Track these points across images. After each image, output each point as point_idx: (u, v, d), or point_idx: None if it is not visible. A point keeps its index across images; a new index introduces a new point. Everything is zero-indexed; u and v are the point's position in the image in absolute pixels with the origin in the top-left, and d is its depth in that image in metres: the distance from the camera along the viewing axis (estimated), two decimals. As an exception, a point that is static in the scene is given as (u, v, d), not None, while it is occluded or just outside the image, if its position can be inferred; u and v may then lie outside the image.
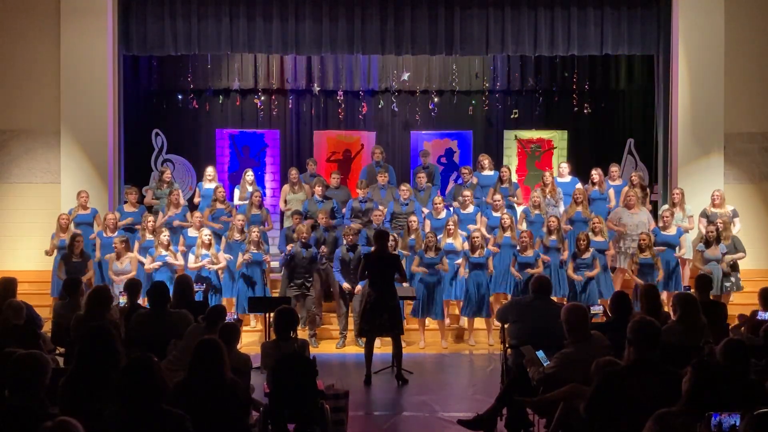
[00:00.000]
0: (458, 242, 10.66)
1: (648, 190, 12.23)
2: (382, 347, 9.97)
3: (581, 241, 10.35)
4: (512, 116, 14.57)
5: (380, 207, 11.31)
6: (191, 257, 10.54)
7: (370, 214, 11.16)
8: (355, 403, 7.09)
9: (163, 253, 10.56)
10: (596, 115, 14.42)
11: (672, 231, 10.92)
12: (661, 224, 11.02)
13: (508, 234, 10.82)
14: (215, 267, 10.51)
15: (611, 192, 11.85)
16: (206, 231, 10.68)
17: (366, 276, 8.98)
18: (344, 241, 10.63)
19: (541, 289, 6.93)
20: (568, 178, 12.15)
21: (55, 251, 10.91)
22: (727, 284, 10.68)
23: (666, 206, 11.63)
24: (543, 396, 5.45)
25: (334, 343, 10.64)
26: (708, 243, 10.66)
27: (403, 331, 9.01)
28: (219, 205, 11.47)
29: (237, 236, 10.76)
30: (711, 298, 8.66)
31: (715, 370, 3.99)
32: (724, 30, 12.37)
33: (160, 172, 12.50)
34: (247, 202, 11.58)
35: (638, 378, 4.43)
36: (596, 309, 7.91)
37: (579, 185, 11.76)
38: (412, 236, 10.83)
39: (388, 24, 12.45)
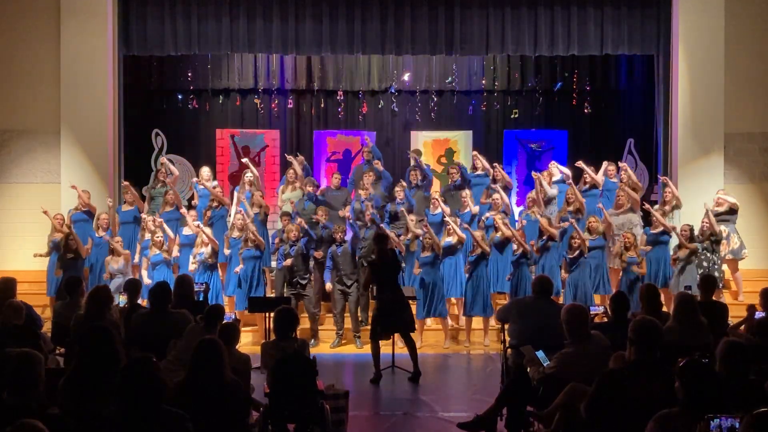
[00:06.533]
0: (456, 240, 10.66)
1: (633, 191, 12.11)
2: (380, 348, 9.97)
3: (574, 239, 10.39)
4: (512, 116, 14.57)
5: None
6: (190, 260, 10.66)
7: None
8: (355, 402, 7.09)
9: (157, 252, 10.66)
10: (596, 115, 14.42)
11: (660, 229, 10.88)
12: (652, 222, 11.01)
13: (499, 234, 10.74)
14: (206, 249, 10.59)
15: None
16: (205, 230, 10.72)
17: (372, 283, 9.02)
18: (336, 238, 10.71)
19: (542, 289, 6.91)
20: (558, 176, 12.11)
21: (51, 250, 10.95)
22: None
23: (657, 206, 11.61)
24: (547, 410, 5.41)
25: (331, 343, 10.66)
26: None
27: (415, 329, 9.15)
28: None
29: (236, 234, 10.79)
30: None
31: (701, 371, 3.97)
32: (724, 30, 12.36)
33: (157, 170, 12.52)
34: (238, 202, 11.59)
35: (639, 378, 4.42)
36: (596, 309, 7.91)
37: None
38: (409, 236, 10.84)
39: (388, 24, 12.46)
